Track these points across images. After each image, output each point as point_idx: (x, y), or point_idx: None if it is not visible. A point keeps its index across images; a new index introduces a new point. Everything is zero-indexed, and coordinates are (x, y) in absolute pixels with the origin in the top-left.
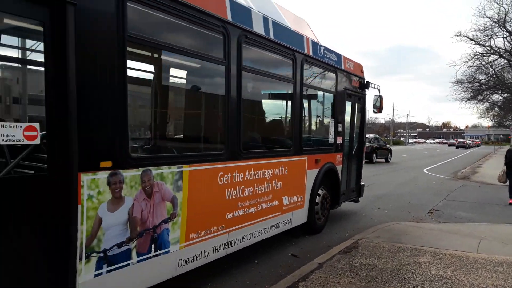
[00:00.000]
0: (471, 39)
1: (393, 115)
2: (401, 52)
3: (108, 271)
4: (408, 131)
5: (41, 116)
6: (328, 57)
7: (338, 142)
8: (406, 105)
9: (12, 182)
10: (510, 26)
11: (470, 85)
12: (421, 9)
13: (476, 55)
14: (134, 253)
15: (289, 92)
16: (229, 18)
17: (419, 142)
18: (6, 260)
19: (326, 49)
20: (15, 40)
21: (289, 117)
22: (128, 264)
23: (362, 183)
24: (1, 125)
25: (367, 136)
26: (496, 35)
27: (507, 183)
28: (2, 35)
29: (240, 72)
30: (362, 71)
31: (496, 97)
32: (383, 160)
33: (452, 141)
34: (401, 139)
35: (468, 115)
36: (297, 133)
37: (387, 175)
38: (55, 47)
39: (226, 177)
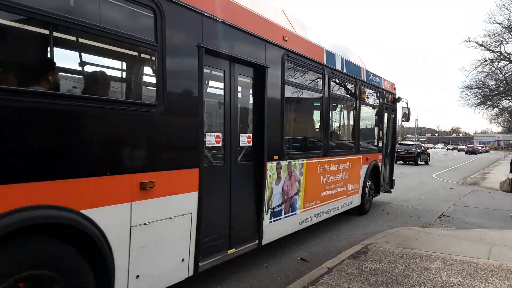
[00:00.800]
0: (481, 45)
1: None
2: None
3: (274, 221)
4: (416, 136)
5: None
6: (374, 80)
7: (380, 145)
8: (415, 110)
9: (245, 166)
10: None
11: (479, 91)
12: (429, 16)
13: (486, 60)
14: (283, 212)
15: (353, 109)
16: (325, 62)
17: (428, 148)
18: (245, 201)
19: (373, 74)
20: (245, 84)
21: (351, 127)
22: (280, 218)
23: (393, 177)
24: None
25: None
26: (506, 41)
27: (510, 190)
28: (240, 84)
29: (329, 98)
30: (394, 88)
31: (506, 102)
32: (423, 162)
33: (462, 146)
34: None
35: (477, 120)
36: (357, 139)
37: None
38: (258, 90)
39: (321, 168)
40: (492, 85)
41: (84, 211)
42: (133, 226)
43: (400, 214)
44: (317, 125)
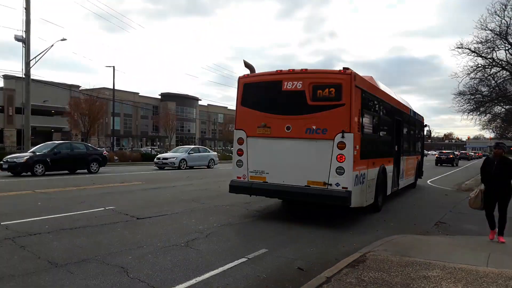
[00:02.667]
0: (473, 51)
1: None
2: (401, 64)
3: (401, 180)
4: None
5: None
6: (415, 115)
7: (419, 151)
8: None
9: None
10: (511, 38)
11: (472, 97)
12: (420, 21)
13: (478, 67)
14: (404, 176)
15: (412, 132)
16: (411, 114)
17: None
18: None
19: (414, 112)
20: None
21: (412, 140)
22: (402, 179)
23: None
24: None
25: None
26: (498, 48)
27: (482, 207)
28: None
29: (409, 128)
30: (423, 119)
31: (498, 109)
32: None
33: (456, 152)
34: None
35: (469, 127)
36: (413, 146)
37: None
38: (402, 129)
39: (408, 160)
40: (484, 91)
41: (386, 166)
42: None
43: (397, 221)
44: (410, 142)
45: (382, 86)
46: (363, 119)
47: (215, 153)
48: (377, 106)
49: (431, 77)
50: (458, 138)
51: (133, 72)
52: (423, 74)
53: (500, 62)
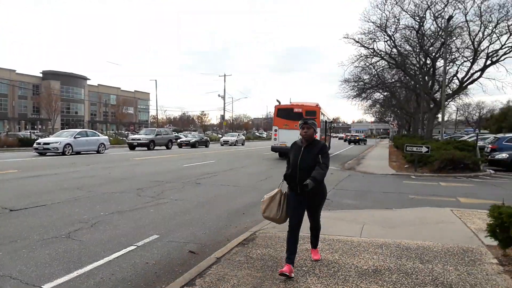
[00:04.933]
0: (357, 42)
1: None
2: (294, 52)
3: None
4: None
5: None
6: (330, 118)
7: (330, 135)
8: (300, 99)
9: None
10: (390, 31)
11: (356, 84)
12: (310, 12)
13: (361, 56)
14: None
15: (329, 126)
16: (330, 118)
17: None
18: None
19: (330, 117)
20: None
21: (330, 130)
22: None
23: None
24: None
25: None
26: (379, 39)
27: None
28: None
29: (329, 125)
30: (334, 119)
31: (377, 95)
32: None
33: (341, 135)
34: None
35: (354, 111)
36: (330, 133)
37: (279, 169)
38: (327, 126)
39: (329, 139)
40: (366, 79)
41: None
42: None
43: None
44: (330, 130)
45: (323, 108)
46: (321, 123)
47: (106, 137)
48: (325, 118)
49: (321, 64)
50: (344, 122)
51: (8, 47)
52: (315, 61)
53: (380, 53)
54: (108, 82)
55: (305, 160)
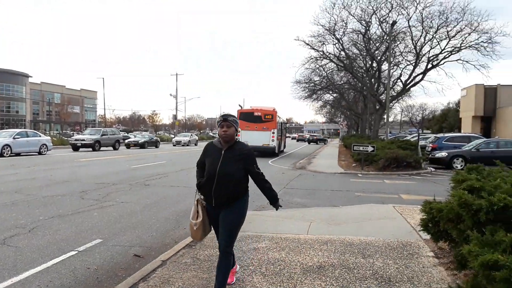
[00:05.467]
0: (307, 44)
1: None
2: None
3: None
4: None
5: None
6: (285, 120)
7: (285, 135)
8: (255, 103)
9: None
10: (338, 34)
11: (307, 85)
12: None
13: (312, 58)
14: (283, 147)
15: (284, 127)
16: (284, 120)
17: None
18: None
19: (284, 119)
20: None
21: (284, 131)
22: (285, 146)
23: (284, 148)
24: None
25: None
26: (328, 42)
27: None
28: None
29: (284, 126)
30: (287, 120)
31: (328, 96)
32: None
33: (294, 135)
34: None
35: (306, 112)
36: (285, 133)
37: None
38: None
39: (284, 139)
40: (316, 80)
41: (282, 140)
42: None
43: None
44: (285, 132)
45: (280, 113)
46: (277, 125)
47: (48, 137)
48: (280, 120)
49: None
50: (297, 122)
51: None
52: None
53: (329, 55)
54: (53, 80)
55: (226, 166)
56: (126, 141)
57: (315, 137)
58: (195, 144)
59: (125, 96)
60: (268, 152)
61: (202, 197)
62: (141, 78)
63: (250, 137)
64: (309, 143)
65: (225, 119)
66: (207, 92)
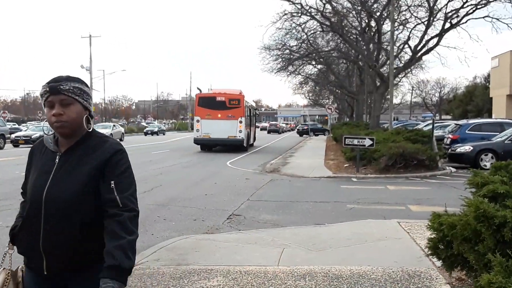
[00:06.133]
0: None
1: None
2: None
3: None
4: None
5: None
6: (255, 106)
7: (255, 125)
8: (201, 81)
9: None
10: None
11: (280, 53)
12: None
13: (286, 14)
14: (253, 138)
15: (254, 115)
16: (254, 106)
17: None
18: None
19: (254, 105)
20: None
21: (254, 119)
22: (255, 138)
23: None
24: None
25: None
26: None
27: None
28: None
29: (253, 113)
30: (256, 105)
31: (309, 68)
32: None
33: (264, 124)
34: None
35: (281, 91)
36: (254, 122)
37: (178, 172)
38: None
39: (253, 129)
40: (293, 46)
41: (251, 131)
42: None
43: (181, 219)
44: (255, 120)
45: (247, 96)
46: (245, 112)
47: None
48: (249, 106)
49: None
50: (268, 106)
51: None
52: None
53: (309, 10)
54: None
55: (62, 185)
56: (13, 135)
57: (305, 128)
58: (120, 140)
59: (13, 70)
60: (235, 146)
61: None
62: (38, 45)
63: (212, 127)
64: (300, 135)
65: (55, 89)
66: (141, 65)
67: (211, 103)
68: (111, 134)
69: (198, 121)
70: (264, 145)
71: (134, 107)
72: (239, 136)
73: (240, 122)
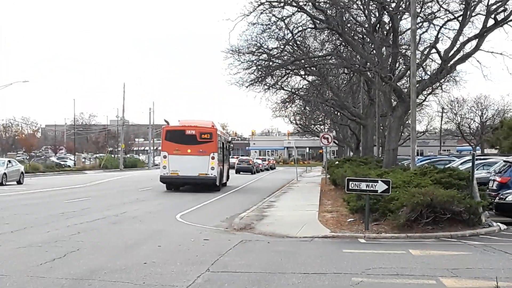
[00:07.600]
0: None
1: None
2: None
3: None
4: (152, 141)
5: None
6: (229, 136)
7: (226, 162)
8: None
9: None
10: None
11: (254, 58)
12: None
13: (263, 3)
14: (224, 177)
15: (228, 148)
16: (228, 137)
17: None
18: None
19: (228, 135)
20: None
21: (228, 153)
22: (228, 177)
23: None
24: None
25: None
26: None
27: None
28: None
29: (226, 146)
30: (230, 137)
31: (297, 80)
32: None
33: (232, 159)
34: (141, 157)
35: (257, 114)
36: (228, 157)
37: (104, 230)
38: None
39: (227, 165)
40: (273, 48)
41: (224, 167)
42: None
43: None
44: (229, 155)
45: (220, 128)
46: (218, 146)
47: None
48: (222, 139)
49: None
50: (235, 133)
51: None
52: None
53: None
54: None
55: None
56: None
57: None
58: (19, 182)
59: None
60: (207, 185)
61: None
62: None
63: (181, 164)
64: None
65: None
66: (47, 76)
67: (180, 137)
68: (4, 174)
69: (165, 156)
70: (242, 185)
71: (40, 134)
72: (211, 174)
73: (213, 158)
